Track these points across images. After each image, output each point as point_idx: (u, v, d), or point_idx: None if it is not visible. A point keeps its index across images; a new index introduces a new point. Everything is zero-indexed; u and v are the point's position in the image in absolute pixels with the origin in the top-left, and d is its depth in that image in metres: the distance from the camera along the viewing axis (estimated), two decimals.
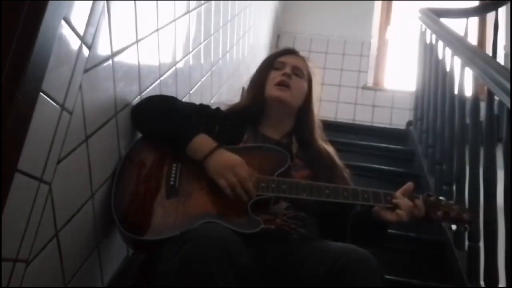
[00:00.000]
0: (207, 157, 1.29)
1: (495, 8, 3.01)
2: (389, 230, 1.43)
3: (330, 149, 1.56)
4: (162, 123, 1.36)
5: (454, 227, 1.36)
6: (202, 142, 1.32)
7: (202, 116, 1.48)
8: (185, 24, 1.76)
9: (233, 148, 1.37)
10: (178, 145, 1.33)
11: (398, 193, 1.32)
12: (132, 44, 1.32)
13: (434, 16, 2.95)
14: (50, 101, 0.94)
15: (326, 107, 4.06)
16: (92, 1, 1.05)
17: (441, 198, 1.38)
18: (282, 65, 1.55)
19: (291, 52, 1.63)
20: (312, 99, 1.59)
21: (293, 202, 1.36)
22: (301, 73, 1.56)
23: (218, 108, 1.58)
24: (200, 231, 1.09)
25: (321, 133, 1.59)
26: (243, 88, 2.99)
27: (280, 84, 1.50)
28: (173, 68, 1.69)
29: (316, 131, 1.56)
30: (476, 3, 3.72)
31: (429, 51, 3.04)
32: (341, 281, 1.09)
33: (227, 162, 1.28)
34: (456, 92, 2.36)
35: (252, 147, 1.43)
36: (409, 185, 1.34)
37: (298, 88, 1.54)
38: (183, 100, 1.83)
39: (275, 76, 1.53)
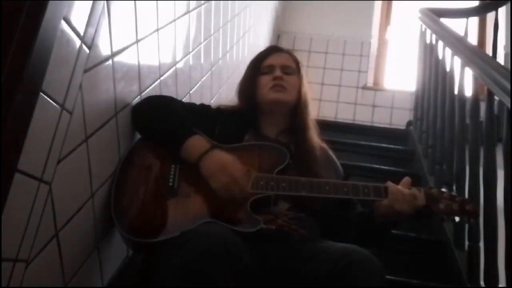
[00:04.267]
0: (201, 159, 1.27)
1: (495, 8, 3.01)
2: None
3: (323, 149, 1.55)
4: (157, 125, 1.35)
5: (457, 219, 1.34)
6: (196, 143, 1.30)
7: (202, 117, 1.47)
8: (185, 24, 1.76)
9: (231, 147, 1.37)
10: (171, 149, 1.32)
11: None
12: (132, 44, 1.32)
13: (434, 16, 2.95)
14: (50, 101, 0.94)
15: (326, 107, 4.06)
16: (92, 1, 1.05)
17: (443, 190, 1.37)
18: (270, 68, 1.52)
19: (274, 50, 1.59)
20: (306, 92, 1.55)
21: (295, 202, 1.35)
22: (291, 69, 1.54)
23: (219, 108, 1.57)
24: (200, 231, 1.09)
25: (317, 131, 1.58)
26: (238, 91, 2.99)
27: (275, 86, 1.48)
28: (173, 68, 1.69)
29: (311, 129, 1.54)
30: (476, 3, 3.72)
31: (429, 51, 3.04)
32: (343, 281, 1.09)
33: (219, 162, 1.27)
34: (456, 92, 2.36)
35: (250, 145, 1.42)
36: (406, 179, 1.34)
37: (292, 85, 1.52)
38: (183, 100, 1.83)
39: (266, 82, 1.50)
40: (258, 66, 1.55)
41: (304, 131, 1.51)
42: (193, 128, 1.34)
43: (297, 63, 1.58)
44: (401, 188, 1.30)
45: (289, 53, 1.61)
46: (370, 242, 1.36)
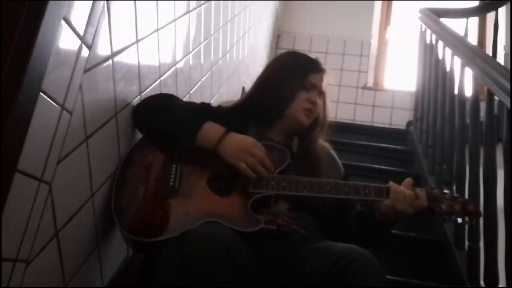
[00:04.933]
0: (220, 143, 1.29)
1: (495, 8, 3.01)
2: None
3: (325, 148, 1.55)
4: (166, 119, 1.35)
5: (459, 220, 1.34)
6: (211, 129, 1.31)
7: (203, 114, 1.47)
8: (185, 24, 1.76)
9: None
10: (185, 138, 1.31)
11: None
12: (132, 44, 1.32)
13: (434, 16, 2.95)
14: (50, 101, 0.94)
15: None
16: (92, 1, 1.05)
17: (445, 191, 1.37)
18: (312, 87, 1.49)
19: (320, 69, 1.54)
20: (322, 117, 1.55)
21: (294, 202, 1.35)
22: (322, 94, 1.53)
23: (219, 106, 1.57)
24: (200, 231, 1.09)
25: (323, 133, 1.57)
26: (243, 88, 2.99)
27: (307, 110, 1.47)
28: (173, 68, 1.69)
29: (315, 132, 1.54)
30: (476, 3, 3.73)
31: (429, 51, 3.04)
32: (343, 281, 1.09)
33: (241, 144, 1.29)
34: (456, 92, 2.36)
35: None
36: (408, 180, 1.34)
37: (316, 112, 1.52)
38: (183, 100, 1.83)
39: (303, 100, 1.47)
40: (302, 79, 1.49)
41: (307, 135, 1.51)
42: (202, 117, 1.34)
43: (324, 84, 1.55)
44: (403, 188, 1.30)
45: (325, 73, 1.56)
46: (369, 242, 1.36)
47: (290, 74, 1.51)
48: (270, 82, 1.52)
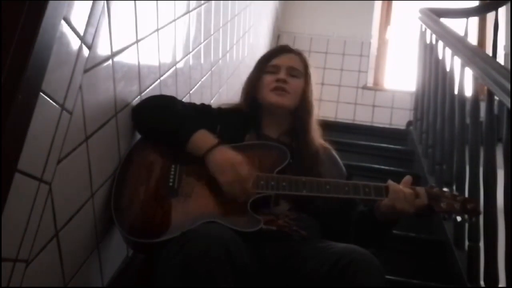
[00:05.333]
0: (208, 153, 1.28)
1: (495, 8, 3.01)
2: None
3: (326, 149, 1.55)
4: (163, 121, 1.35)
5: (459, 218, 1.34)
6: (203, 137, 1.31)
7: (203, 115, 1.47)
8: (185, 24, 1.76)
9: (233, 146, 1.37)
10: (179, 142, 1.32)
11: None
12: (132, 44, 1.32)
13: (434, 16, 2.96)
14: (50, 101, 0.94)
15: (326, 107, 4.06)
16: (92, 1, 1.05)
17: (444, 189, 1.37)
18: (276, 68, 1.52)
19: (284, 50, 1.58)
20: (310, 96, 1.55)
21: (295, 202, 1.35)
22: (297, 72, 1.54)
23: (220, 108, 1.57)
24: (200, 231, 1.09)
25: (319, 132, 1.57)
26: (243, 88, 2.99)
27: (276, 89, 1.48)
28: (173, 68, 1.69)
29: (313, 130, 1.54)
30: (476, 3, 3.73)
31: (429, 51, 3.04)
32: (343, 281, 1.09)
33: (228, 159, 1.27)
34: (456, 92, 2.37)
35: (251, 145, 1.43)
36: (407, 178, 1.33)
37: (295, 90, 1.51)
38: (183, 100, 1.83)
39: (269, 82, 1.50)
40: (264, 64, 1.55)
41: (305, 133, 1.51)
42: (198, 124, 1.34)
43: (305, 65, 1.57)
44: (402, 187, 1.30)
45: (299, 54, 1.59)
46: (370, 242, 1.36)
47: (255, 67, 1.59)
48: (247, 82, 1.61)
